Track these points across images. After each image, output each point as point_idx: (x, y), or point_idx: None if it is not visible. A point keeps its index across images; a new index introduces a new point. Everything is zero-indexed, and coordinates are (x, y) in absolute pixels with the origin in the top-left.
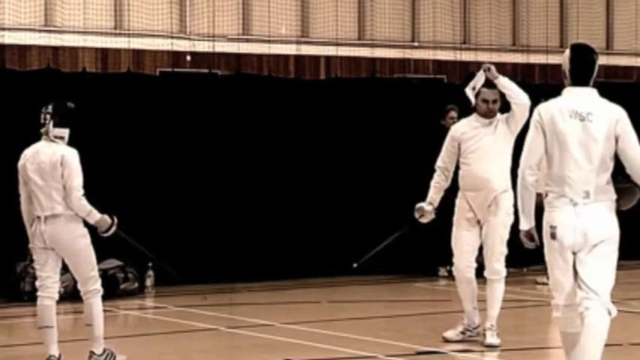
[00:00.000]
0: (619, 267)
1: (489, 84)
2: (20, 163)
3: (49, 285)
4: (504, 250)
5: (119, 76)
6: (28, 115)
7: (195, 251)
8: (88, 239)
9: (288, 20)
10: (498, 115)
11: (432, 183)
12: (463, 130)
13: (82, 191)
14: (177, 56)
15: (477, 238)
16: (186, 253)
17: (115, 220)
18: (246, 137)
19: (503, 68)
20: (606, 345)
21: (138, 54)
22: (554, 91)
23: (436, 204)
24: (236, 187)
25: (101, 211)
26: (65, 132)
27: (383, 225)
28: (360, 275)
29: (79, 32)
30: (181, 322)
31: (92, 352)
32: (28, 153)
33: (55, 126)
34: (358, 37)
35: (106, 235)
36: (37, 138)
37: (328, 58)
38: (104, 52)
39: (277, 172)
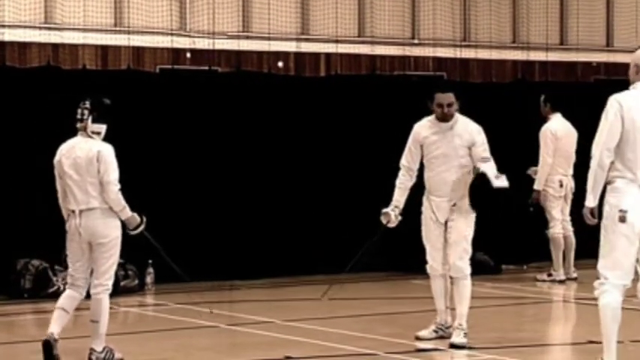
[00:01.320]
0: None
1: (444, 88)
2: (56, 158)
3: (81, 284)
4: (468, 249)
5: (119, 73)
6: (28, 112)
7: (196, 248)
8: (120, 233)
9: (288, 17)
10: (457, 116)
11: (397, 183)
12: (425, 133)
13: (119, 185)
14: (177, 53)
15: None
16: (186, 251)
17: (144, 219)
18: (246, 134)
19: (503, 66)
20: None
21: (138, 51)
22: (554, 88)
23: (402, 206)
24: (236, 184)
25: None
26: (103, 128)
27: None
28: (360, 273)
29: (79, 29)
30: (181, 319)
31: (92, 350)
32: (64, 148)
33: (93, 121)
34: (358, 34)
35: (133, 232)
36: (36, 135)
37: (328, 55)
38: (104, 49)
39: (278, 169)
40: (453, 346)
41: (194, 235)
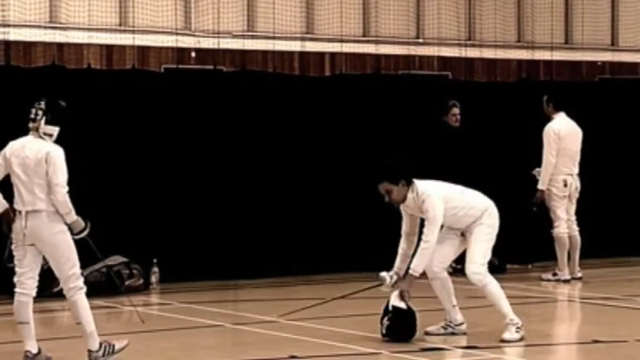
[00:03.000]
0: (623, 264)
1: (376, 179)
2: (7, 152)
3: (24, 281)
4: (484, 256)
5: (124, 72)
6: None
7: (200, 248)
8: (68, 236)
9: (293, 17)
10: (410, 196)
11: (399, 250)
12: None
13: (67, 188)
14: (182, 53)
15: (454, 238)
16: (190, 250)
17: (89, 224)
18: (251, 134)
19: (507, 65)
20: (612, 341)
21: (143, 50)
22: (559, 88)
23: (402, 273)
24: (241, 183)
25: (107, 207)
26: (55, 130)
27: (388, 221)
28: (365, 272)
29: (84, 29)
30: (186, 318)
31: (90, 351)
32: (14, 146)
33: (46, 123)
34: (363, 33)
35: (77, 237)
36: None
37: (333, 55)
38: (109, 48)
39: (283, 168)
40: (503, 341)
41: (199, 234)
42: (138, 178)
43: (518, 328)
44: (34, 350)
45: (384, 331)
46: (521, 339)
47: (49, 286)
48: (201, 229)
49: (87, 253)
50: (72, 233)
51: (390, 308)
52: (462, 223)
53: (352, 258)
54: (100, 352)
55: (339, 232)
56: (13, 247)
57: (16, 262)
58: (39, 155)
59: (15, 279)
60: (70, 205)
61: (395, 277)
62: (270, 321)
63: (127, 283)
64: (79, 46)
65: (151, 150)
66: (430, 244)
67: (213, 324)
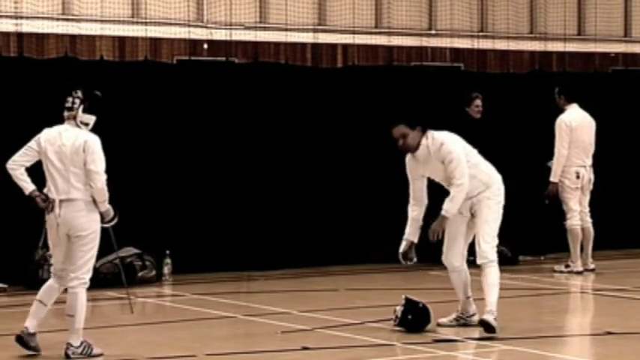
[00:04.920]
0: (636, 255)
1: (394, 120)
2: (41, 139)
3: (63, 275)
4: (493, 234)
5: (136, 64)
6: (46, 103)
7: (213, 239)
8: (99, 228)
9: (306, 8)
10: (424, 142)
11: (409, 216)
12: (411, 164)
13: (105, 176)
14: (194, 44)
15: (463, 226)
16: (203, 241)
17: (118, 214)
18: (263, 125)
19: (520, 56)
20: (625, 333)
21: (155, 42)
22: (572, 79)
23: (414, 240)
24: (253, 174)
25: (120, 199)
26: (92, 119)
27: (401, 213)
28: (377, 264)
29: (96, 20)
30: (199, 309)
31: (69, 344)
32: (49, 134)
33: (84, 111)
34: (375, 25)
35: (107, 225)
36: (50, 126)
37: (345, 46)
38: (121, 40)
39: (295, 159)
40: (482, 322)
41: (211, 226)
42: (150, 170)
43: (495, 318)
44: (32, 330)
45: (397, 322)
46: (493, 330)
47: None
48: (214, 220)
49: (100, 244)
50: (102, 221)
51: (404, 300)
52: (472, 187)
53: (365, 249)
54: (79, 350)
55: (352, 223)
56: (48, 235)
57: (51, 252)
58: (76, 143)
59: (52, 270)
60: (107, 194)
61: (405, 244)
62: (283, 312)
63: (139, 274)
64: (91, 38)
65: (164, 142)
66: (464, 184)
67: (226, 315)
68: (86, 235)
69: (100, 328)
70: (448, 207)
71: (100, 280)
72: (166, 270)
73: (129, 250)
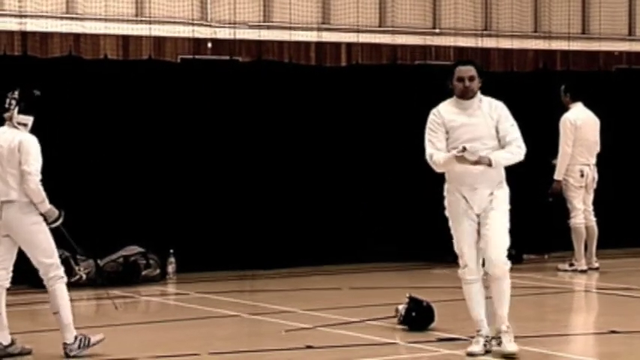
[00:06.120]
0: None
1: (465, 61)
2: None
3: (1, 276)
4: (508, 242)
5: (140, 63)
6: (50, 102)
7: (217, 238)
8: (43, 226)
9: (309, 7)
10: (480, 95)
11: (434, 159)
12: (449, 116)
13: (39, 177)
14: (198, 43)
15: (474, 233)
16: (207, 240)
17: (62, 213)
18: (267, 124)
19: (524, 55)
20: (629, 332)
21: (159, 41)
22: (576, 78)
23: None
24: (258, 174)
25: (125, 198)
26: (29, 119)
27: (404, 212)
28: (380, 262)
29: (100, 19)
30: (203, 308)
31: (65, 344)
32: None
33: (19, 112)
34: (379, 23)
35: (52, 226)
36: (59, 125)
37: (349, 45)
38: (125, 39)
39: (298, 158)
40: (508, 356)
41: (215, 224)
42: (154, 169)
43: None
44: (5, 342)
45: (400, 320)
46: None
47: (66, 276)
48: (218, 219)
49: (104, 243)
50: (46, 222)
51: (407, 298)
52: (494, 174)
53: (368, 248)
54: (75, 345)
55: (356, 222)
56: None
57: None
58: (12, 145)
59: None
60: (44, 194)
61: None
62: (287, 311)
63: (143, 273)
64: (95, 37)
65: (168, 141)
66: (523, 147)
67: (230, 314)
68: (31, 238)
69: (104, 327)
70: (500, 158)
71: (104, 279)
72: (170, 269)
73: (133, 249)
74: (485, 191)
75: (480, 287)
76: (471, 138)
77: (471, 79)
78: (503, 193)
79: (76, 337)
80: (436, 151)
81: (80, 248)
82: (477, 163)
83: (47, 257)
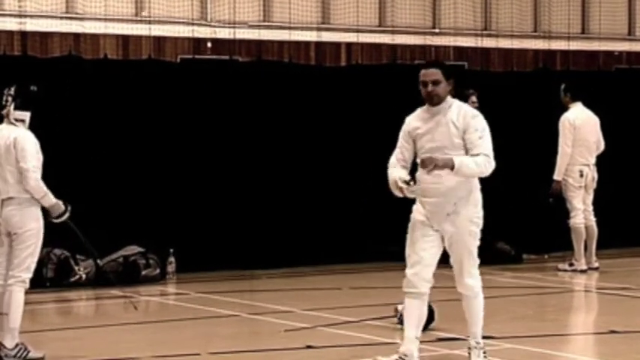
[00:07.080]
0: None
1: (428, 64)
2: None
3: (1, 271)
4: (477, 262)
5: (140, 62)
6: (49, 102)
7: (217, 238)
8: (40, 224)
9: (309, 7)
10: (451, 100)
11: (394, 168)
12: (415, 124)
13: (37, 172)
14: (198, 43)
15: (436, 245)
16: (207, 240)
17: (69, 208)
18: (267, 124)
19: (524, 55)
20: (628, 332)
21: (159, 41)
22: (576, 78)
23: (405, 177)
24: (257, 173)
25: (124, 197)
26: (26, 115)
27: (404, 212)
28: (380, 262)
29: (100, 19)
30: (203, 308)
31: (2, 345)
32: None
33: (16, 108)
34: (379, 23)
35: (57, 221)
36: (58, 124)
37: (349, 45)
38: (125, 38)
39: (298, 158)
40: None
41: (215, 224)
42: (154, 169)
43: (485, 353)
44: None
45: (400, 319)
46: None
47: (66, 275)
48: (218, 219)
49: (104, 243)
50: (51, 217)
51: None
52: (458, 187)
53: (368, 248)
54: (13, 352)
55: (356, 222)
56: None
57: None
58: (8, 142)
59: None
60: (45, 189)
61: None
62: (286, 311)
63: (143, 273)
64: (95, 37)
65: (167, 140)
66: (492, 161)
67: (230, 314)
68: (22, 234)
69: (104, 327)
70: (462, 165)
71: (104, 279)
72: (170, 268)
73: (133, 249)
74: (447, 206)
75: (418, 304)
76: (433, 147)
77: (435, 82)
78: (468, 211)
79: (16, 345)
80: (393, 164)
81: (87, 241)
82: (436, 167)
83: (27, 257)
